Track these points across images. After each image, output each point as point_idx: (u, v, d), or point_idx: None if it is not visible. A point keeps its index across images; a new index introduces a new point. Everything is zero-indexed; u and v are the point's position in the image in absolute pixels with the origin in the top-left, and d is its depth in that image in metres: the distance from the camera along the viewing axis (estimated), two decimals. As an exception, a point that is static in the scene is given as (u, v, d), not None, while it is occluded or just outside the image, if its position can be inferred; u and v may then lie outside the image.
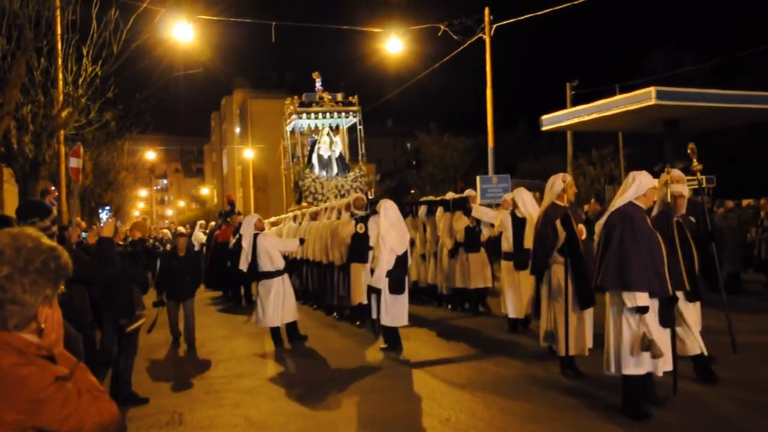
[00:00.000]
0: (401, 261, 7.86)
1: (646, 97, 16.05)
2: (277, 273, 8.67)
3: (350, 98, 17.35)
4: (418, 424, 5.28)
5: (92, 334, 6.04)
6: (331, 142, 17.41)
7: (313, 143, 17.67)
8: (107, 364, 6.16)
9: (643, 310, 4.86)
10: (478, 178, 17.87)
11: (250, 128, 60.37)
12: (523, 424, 5.10)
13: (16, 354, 1.64)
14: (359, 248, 9.30)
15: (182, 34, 14.46)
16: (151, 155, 43.67)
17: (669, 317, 5.07)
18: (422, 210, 11.92)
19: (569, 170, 24.12)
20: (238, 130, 67.68)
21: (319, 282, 11.37)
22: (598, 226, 5.54)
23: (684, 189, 5.94)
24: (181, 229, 16.46)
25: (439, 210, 11.21)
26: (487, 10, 18.40)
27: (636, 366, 4.95)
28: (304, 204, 15.84)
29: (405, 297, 7.95)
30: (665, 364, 5.02)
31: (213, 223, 19.71)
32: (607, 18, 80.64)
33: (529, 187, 9.47)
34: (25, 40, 10.73)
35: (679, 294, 5.37)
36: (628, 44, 75.84)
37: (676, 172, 5.97)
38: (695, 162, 6.47)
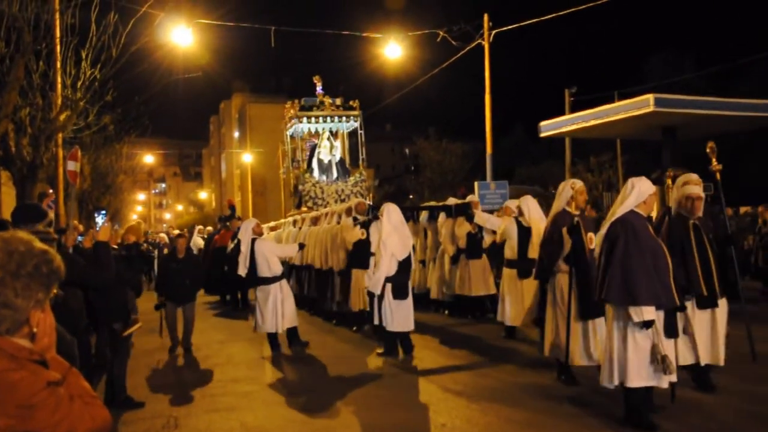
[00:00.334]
0: (404, 265, 7.78)
1: (644, 104, 16.02)
2: (275, 279, 8.59)
3: (351, 102, 17.35)
4: (414, 430, 5.26)
5: (87, 338, 6.01)
6: (332, 147, 17.40)
7: (313, 147, 17.65)
8: (102, 369, 6.13)
9: (649, 324, 4.73)
10: (476, 183, 17.89)
11: (249, 132, 60.45)
12: (520, 431, 5.08)
13: (7, 359, 1.62)
14: (360, 254, 9.27)
15: (181, 38, 14.49)
16: (149, 159, 43.59)
17: (673, 327, 4.95)
18: (424, 215, 11.88)
19: (567, 177, 24.12)
20: (236, 134, 67.77)
21: (318, 287, 11.33)
22: (599, 236, 5.36)
23: (701, 191, 5.74)
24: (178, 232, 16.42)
25: (442, 215, 11.16)
26: (486, 17, 18.43)
27: (641, 379, 4.81)
28: (304, 209, 15.81)
29: (409, 302, 7.88)
30: (670, 375, 4.87)
31: (210, 228, 19.69)
32: (605, 25, 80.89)
33: (527, 193, 9.45)
34: (24, 43, 10.72)
35: (688, 303, 5.27)
36: (627, 51, 76.11)
37: (693, 175, 5.78)
38: (714, 162, 6.29)
